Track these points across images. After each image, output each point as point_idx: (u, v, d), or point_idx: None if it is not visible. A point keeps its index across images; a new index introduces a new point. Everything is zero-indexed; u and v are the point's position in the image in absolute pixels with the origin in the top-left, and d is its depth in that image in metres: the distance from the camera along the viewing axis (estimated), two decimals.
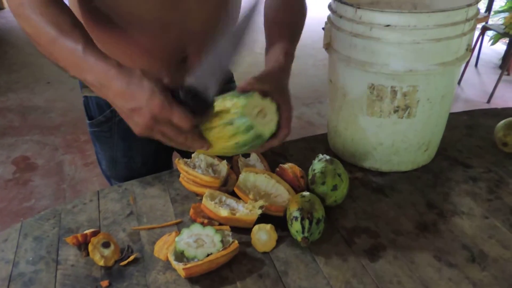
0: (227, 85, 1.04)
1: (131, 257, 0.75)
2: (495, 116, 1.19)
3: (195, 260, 0.70)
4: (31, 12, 0.69)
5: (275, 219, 0.81)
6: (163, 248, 0.75)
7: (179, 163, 0.89)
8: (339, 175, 0.86)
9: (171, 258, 0.71)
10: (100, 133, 1.03)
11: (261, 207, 0.79)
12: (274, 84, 0.73)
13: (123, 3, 0.81)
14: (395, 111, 0.90)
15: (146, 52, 0.88)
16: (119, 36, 0.86)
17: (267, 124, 0.70)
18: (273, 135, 0.72)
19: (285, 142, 1.09)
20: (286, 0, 0.93)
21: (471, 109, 1.28)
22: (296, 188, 0.87)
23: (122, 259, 0.75)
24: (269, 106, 0.71)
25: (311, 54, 4.18)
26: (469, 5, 0.83)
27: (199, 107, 0.66)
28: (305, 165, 0.94)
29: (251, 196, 0.82)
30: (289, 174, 0.89)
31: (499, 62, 4.13)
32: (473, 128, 1.16)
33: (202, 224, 0.76)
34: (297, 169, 0.90)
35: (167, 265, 0.74)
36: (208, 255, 0.71)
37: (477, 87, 3.75)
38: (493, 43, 4.11)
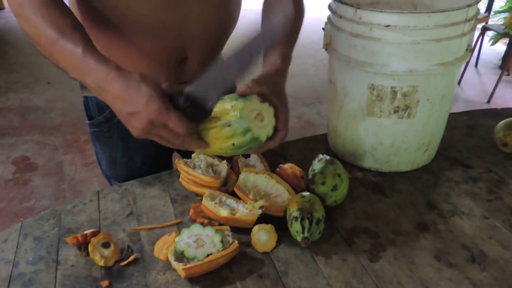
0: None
1: (131, 257, 0.75)
2: (495, 116, 1.19)
3: (195, 260, 0.71)
4: (32, 12, 0.69)
5: (275, 219, 0.81)
6: (163, 248, 0.75)
7: (179, 163, 0.90)
8: (339, 175, 0.86)
9: (171, 258, 0.71)
10: (100, 133, 1.03)
11: (261, 207, 0.79)
12: (271, 87, 0.74)
13: (122, 5, 0.80)
14: (395, 111, 0.90)
15: (145, 54, 0.88)
16: (118, 37, 0.86)
17: (264, 128, 0.71)
18: (271, 138, 0.73)
19: (285, 142, 1.09)
20: (284, 1, 0.93)
21: (471, 109, 1.28)
22: (296, 188, 0.87)
23: (122, 259, 0.75)
24: (267, 110, 0.72)
25: (311, 54, 4.18)
26: (469, 6, 0.83)
27: (196, 115, 0.67)
28: (305, 165, 0.94)
29: (251, 196, 0.82)
30: (289, 174, 0.89)
31: (499, 62, 4.13)
32: (473, 128, 1.16)
33: (202, 224, 0.77)
34: (297, 169, 0.90)
35: (167, 265, 0.74)
36: (208, 255, 0.71)
37: (477, 87, 3.75)
38: (493, 43, 4.11)
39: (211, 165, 0.91)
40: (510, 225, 0.83)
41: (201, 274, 0.71)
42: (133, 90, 0.65)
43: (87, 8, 0.85)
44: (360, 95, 0.91)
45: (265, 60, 0.83)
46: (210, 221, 0.80)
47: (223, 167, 0.91)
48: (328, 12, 0.96)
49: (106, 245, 0.74)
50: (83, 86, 0.99)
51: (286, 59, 0.83)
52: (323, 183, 0.84)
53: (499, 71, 3.70)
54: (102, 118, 0.99)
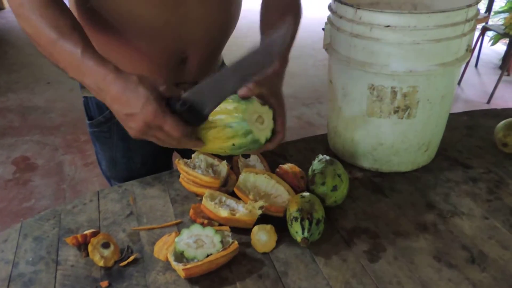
0: None
1: (131, 258, 0.75)
2: (495, 117, 1.19)
3: (195, 260, 0.70)
4: (31, 13, 0.70)
5: (275, 219, 0.81)
6: (163, 249, 0.75)
7: (179, 164, 0.90)
8: (339, 176, 0.86)
9: (171, 259, 0.71)
10: (99, 134, 1.03)
11: (261, 208, 0.79)
12: (270, 89, 0.75)
13: (122, 7, 0.80)
14: (395, 112, 0.90)
15: (145, 55, 0.88)
16: (117, 39, 0.86)
17: (264, 130, 0.73)
18: (269, 140, 0.74)
19: (284, 143, 1.09)
20: (282, 3, 0.93)
21: (471, 109, 1.28)
22: (296, 189, 0.87)
23: (122, 260, 0.75)
24: (267, 113, 0.73)
25: (311, 54, 4.18)
26: (469, 6, 0.83)
27: (192, 120, 0.69)
28: (305, 165, 0.94)
29: (251, 197, 0.82)
30: (289, 174, 0.89)
31: (499, 63, 4.13)
32: (473, 128, 1.16)
33: (202, 224, 0.77)
34: (297, 170, 0.90)
35: (167, 266, 0.74)
36: (208, 255, 0.71)
37: (477, 88, 3.75)
38: (493, 44, 4.11)
39: (211, 166, 0.91)
40: (510, 226, 0.83)
41: (201, 274, 0.71)
42: (130, 92, 0.66)
43: (86, 10, 0.84)
44: (360, 96, 0.91)
45: None
46: (210, 221, 0.80)
47: (223, 167, 0.91)
48: (328, 12, 0.96)
49: (106, 245, 0.74)
50: (83, 86, 0.99)
51: (283, 61, 0.84)
52: (323, 184, 0.84)
53: (499, 72, 3.70)
54: (102, 118, 0.99)
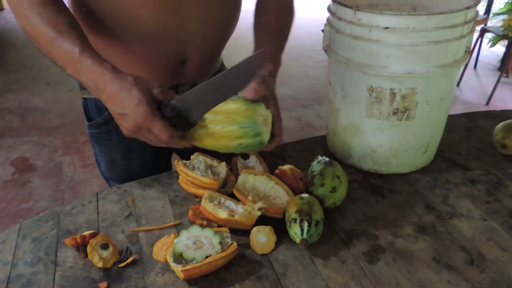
0: None
1: (130, 259, 0.75)
2: (494, 118, 1.19)
3: (194, 262, 0.70)
4: (30, 11, 0.71)
5: (274, 221, 0.81)
6: (161, 250, 0.75)
7: (178, 165, 0.89)
8: (338, 177, 0.86)
9: (170, 260, 0.71)
10: (99, 135, 1.03)
11: (260, 209, 0.79)
12: (269, 91, 0.76)
13: (121, 11, 0.80)
14: (394, 113, 0.90)
15: (143, 58, 0.88)
16: (116, 42, 0.86)
17: (266, 133, 0.75)
18: (269, 141, 0.76)
19: (284, 144, 1.09)
20: (276, 6, 0.93)
21: (470, 111, 1.28)
22: (295, 190, 0.87)
23: (120, 261, 0.75)
24: (269, 116, 0.76)
25: (311, 56, 4.18)
26: (468, 8, 0.83)
27: (180, 125, 0.71)
28: (304, 167, 0.94)
29: (250, 198, 0.82)
30: (288, 176, 0.89)
31: (498, 64, 4.14)
32: (472, 130, 1.17)
33: (201, 225, 0.77)
34: (296, 171, 0.91)
35: (166, 267, 0.74)
36: (206, 257, 0.71)
37: (476, 89, 3.75)
38: (492, 45, 4.12)
39: (210, 167, 0.91)
40: (509, 227, 0.83)
41: (200, 275, 0.71)
42: (125, 92, 0.68)
43: (83, 14, 0.85)
44: (359, 97, 0.91)
45: None
46: (209, 222, 0.80)
47: (222, 168, 0.91)
48: (327, 14, 0.96)
49: (104, 246, 0.74)
50: (82, 88, 0.99)
51: (277, 63, 0.85)
52: (322, 185, 0.84)
53: (498, 73, 3.70)
54: (101, 120, 0.99)
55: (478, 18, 0.90)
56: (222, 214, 0.78)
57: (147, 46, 0.86)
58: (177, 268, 0.69)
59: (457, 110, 2.40)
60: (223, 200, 0.83)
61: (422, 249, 0.78)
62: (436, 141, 1.01)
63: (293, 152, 1.07)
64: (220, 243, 0.73)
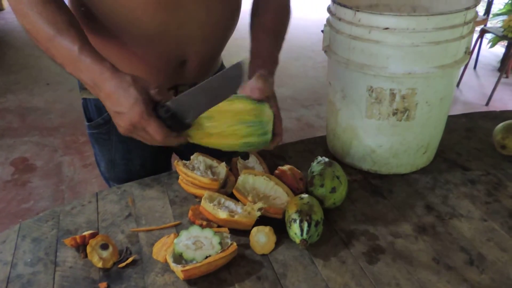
0: None
1: (130, 259, 0.75)
2: (493, 119, 1.19)
3: (194, 262, 0.70)
4: (29, 9, 0.72)
5: (274, 221, 0.81)
6: (161, 250, 0.75)
7: (178, 165, 0.89)
8: (338, 178, 0.86)
9: (170, 260, 0.71)
10: (98, 135, 1.03)
11: (260, 209, 0.79)
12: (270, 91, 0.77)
13: (120, 11, 0.80)
14: (394, 114, 0.91)
15: (143, 58, 0.88)
16: (115, 43, 0.86)
17: (270, 132, 0.76)
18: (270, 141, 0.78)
19: (284, 144, 1.09)
20: (272, 5, 0.93)
21: (469, 111, 1.28)
22: (295, 190, 0.87)
23: (120, 261, 0.75)
24: (272, 116, 0.77)
25: (311, 56, 4.18)
26: (467, 8, 0.83)
27: (175, 126, 0.72)
28: (304, 167, 0.94)
29: (250, 198, 0.82)
30: (288, 176, 0.89)
31: (498, 65, 4.14)
32: (471, 130, 1.17)
33: (201, 226, 0.77)
34: (296, 171, 0.91)
35: (166, 267, 0.74)
36: (206, 257, 0.71)
37: (475, 90, 3.75)
38: (491, 46, 4.12)
39: (210, 167, 0.91)
40: (509, 228, 0.83)
41: (200, 276, 0.71)
42: (122, 91, 0.69)
43: (81, 13, 0.85)
44: (359, 97, 0.91)
45: (255, 61, 0.84)
46: (209, 223, 0.80)
47: (222, 169, 0.91)
48: (327, 14, 0.96)
49: (104, 246, 0.74)
50: (82, 88, 0.99)
51: (274, 62, 0.86)
52: (322, 185, 0.84)
53: (498, 74, 3.71)
54: (101, 120, 0.99)
55: (478, 19, 0.90)
56: (222, 215, 0.78)
57: (147, 47, 0.86)
58: (177, 268, 0.69)
59: (457, 110, 2.40)
60: (223, 200, 0.83)
61: (422, 249, 0.78)
62: (436, 141, 1.01)
63: (293, 153, 1.07)
64: (220, 243, 0.73)
